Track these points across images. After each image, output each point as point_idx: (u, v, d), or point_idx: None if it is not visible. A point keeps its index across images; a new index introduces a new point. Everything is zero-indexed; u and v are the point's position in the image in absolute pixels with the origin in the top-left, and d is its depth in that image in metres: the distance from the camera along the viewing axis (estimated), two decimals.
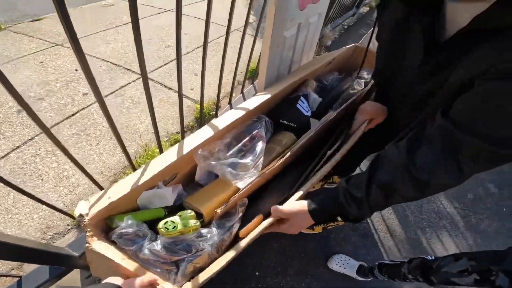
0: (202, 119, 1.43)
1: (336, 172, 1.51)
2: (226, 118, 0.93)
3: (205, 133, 0.88)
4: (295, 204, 0.74)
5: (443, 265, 0.91)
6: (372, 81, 1.25)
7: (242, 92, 1.78)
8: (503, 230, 1.87)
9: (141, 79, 2.12)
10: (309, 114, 1.15)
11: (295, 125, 1.09)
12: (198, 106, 1.94)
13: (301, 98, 1.17)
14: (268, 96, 1.05)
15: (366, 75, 1.37)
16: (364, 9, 4.95)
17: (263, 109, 1.09)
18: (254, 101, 1.01)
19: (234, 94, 1.68)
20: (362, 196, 0.64)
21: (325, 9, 1.55)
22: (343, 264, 1.40)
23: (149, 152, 1.58)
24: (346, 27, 3.74)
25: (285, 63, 1.42)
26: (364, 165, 1.83)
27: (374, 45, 1.00)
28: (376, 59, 0.93)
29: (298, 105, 1.14)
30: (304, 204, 0.72)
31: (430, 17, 0.62)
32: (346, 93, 1.31)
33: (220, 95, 1.42)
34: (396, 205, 1.78)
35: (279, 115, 1.12)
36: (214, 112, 1.59)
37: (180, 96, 1.00)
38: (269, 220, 0.73)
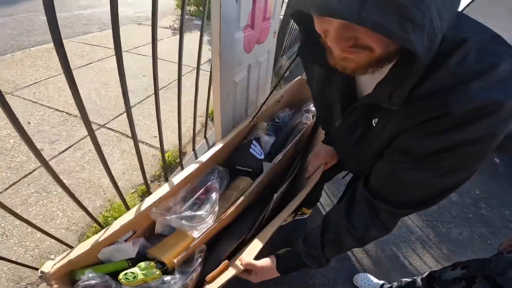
0: (166, 170, 1.45)
1: (304, 204, 1.57)
2: (182, 175, 0.99)
3: (162, 190, 0.94)
4: (266, 261, 0.85)
5: (443, 273, 1.05)
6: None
7: (205, 136, 1.82)
8: (475, 235, 1.95)
9: (101, 128, 2.11)
10: (262, 157, 1.22)
11: (250, 169, 1.16)
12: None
13: (253, 142, 1.24)
14: (220, 146, 1.12)
15: (312, 107, 1.46)
16: None
17: (218, 159, 1.15)
18: (207, 154, 1.07)
19: (198, 138, 1.71)
20: (319, 254, 0.78)
21: (273, 45, 1.66)
22: (366, 282, 1.45)
23: (115, 206, 1.56)
24: None
25: (241, 107, 1.48)
26: (327, 187, 1.90)
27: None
28: (314, 104, 1.02)
29: (251, 150, 1.21)
30: (273, 263, 0.84)
31: (347, 80, 0.63)
32: (297, 129, 1.39)
33: (185, 140, 1.43)
34: None
35: (234, 162, 1.19)
36: (179, 160, 1.61)
37: (137, 146, 1.02)
38: (238, 270, 0.82)
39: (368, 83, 0.59)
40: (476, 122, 0.42)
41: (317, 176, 1.03)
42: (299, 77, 1.57)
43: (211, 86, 1.30)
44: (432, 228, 1.94)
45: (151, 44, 0.87)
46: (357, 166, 0.86)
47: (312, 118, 1.39)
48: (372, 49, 0.42)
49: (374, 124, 0.60)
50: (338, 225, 0.73)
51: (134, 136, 0.98)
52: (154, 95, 0.97)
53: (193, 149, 1.70)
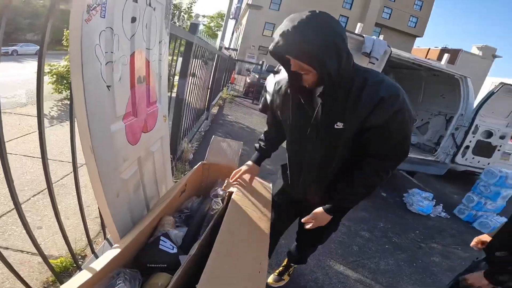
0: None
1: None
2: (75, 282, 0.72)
3: None
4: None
5: None
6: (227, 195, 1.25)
7: (105, 237, 1.45)
8: (399, 262, 2.09)
9: None
10: (175, 251, 1.12)
11: (165, 265, 1.03)
12: (53, 261, 1.41)
13: (161, 238, 1.12)
14: (121, 248, 0.91)
15: (220, 191, 1.37)
16: (214, 109, 5.67)
17: (122, 262, 0.93)
18: (105, 259, 0.84)
19: (100, 239, 1.31)
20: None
21: (166, 131, 1.54)
22: None
23: None
24: (203, 133, 3.98)
25: (139, 204, 1.28)
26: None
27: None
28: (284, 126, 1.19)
29: (161, 246, 1.09)
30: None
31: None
32: (208, 215, 1.29)
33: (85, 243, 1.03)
34: None
35: (144, 260, 1.03)
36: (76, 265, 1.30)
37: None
38: None
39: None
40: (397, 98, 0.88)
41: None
42: (200, 163, 1.46)
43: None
44: (363, 267, 1.99)
45: (22, 137, 0.58)
46: (323, 163, 1.06)
47: (222, 202, 1.31)
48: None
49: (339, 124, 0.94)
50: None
51: None
52: (29, 200, 0.63)
53: (93, 251, 1.34)
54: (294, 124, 1.07)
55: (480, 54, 24.91)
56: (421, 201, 2.91)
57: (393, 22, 25.50)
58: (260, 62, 9.15)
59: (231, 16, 24.08)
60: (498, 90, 2.95)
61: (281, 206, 1.34)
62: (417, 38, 27.07)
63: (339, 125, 0.93)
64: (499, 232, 1.08)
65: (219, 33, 15.13)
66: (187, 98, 2.76)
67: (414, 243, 2.42)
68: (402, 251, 2.26)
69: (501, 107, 3.12)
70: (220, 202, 1.28)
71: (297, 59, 0.84)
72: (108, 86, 0.92)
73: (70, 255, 1.51)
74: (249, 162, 1.30)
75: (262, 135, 1.34)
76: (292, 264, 1.69)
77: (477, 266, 1.07)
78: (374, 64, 2.75)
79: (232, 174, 1.28)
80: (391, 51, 2.84)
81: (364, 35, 2.79)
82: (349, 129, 0.93)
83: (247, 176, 1.29)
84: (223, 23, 14.65)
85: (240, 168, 1.30)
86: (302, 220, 1.14)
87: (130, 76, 1.04)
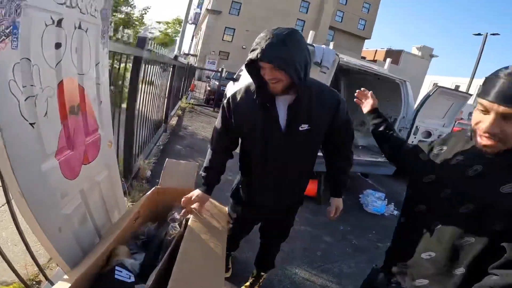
0: None
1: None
2: None
3: None
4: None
5: None
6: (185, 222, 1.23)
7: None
8: (360, 264, 2.18)
9: None
10: (132, 279, 1.10)
11: None
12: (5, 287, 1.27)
13: (117, 268, 1.09)
14: (68, 285, 0.85)
15: (177, 215, 1.32)
16: (173, 120, 5.47)
17: None
18: None
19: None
20: None
21: (113, 157, 1.46)
22: None
23: None
24: (161, 147, 3.81)
25: (88, 234, 1.22)
26: None
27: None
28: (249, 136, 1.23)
29: (117, 276, 1.06)
30: None
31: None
32: (166, 240, 1.24)
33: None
34: None
35: None
36: None
37: None
38: None
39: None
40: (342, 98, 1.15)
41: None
42: (154, 188, 1.40)
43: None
44: (327, 272, 2.05)
45: None
46: (293, 164, 1.18)
47: (179, 226, 1.27)
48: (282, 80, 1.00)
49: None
50: None
51: None
52: None
53: (46, 278, 1.23)
54: (261, 131, 1.13)
55: (419, 54, 27.51)
56: (375, 201, 3.09)
57: (345, 25, 27.00)
58: (220, 69, 9.09)
59: (190, 22, 23.68)
60: (433, 92, 3.24)
61: (241, 218, 1.39)
62: (366, 40, 29.06)
63: (304, 126, 1.09)
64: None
65: (178, 39, 14.75)
66: (141, 110, 2.63)
67: (372, 244, 2.56)
68: (361, 253, 2.37)
69: (437, 108, 3.41)
70: (178, 226, 1.25)
71: (278, 68, 0.96)
72: (31, 124, 0.83)
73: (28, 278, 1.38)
74: (199, 192, 1.25)
75: (208, 162, 1.27)
76: (263, 273, 1.69)
77: (376, 278, 0.97)
78: (325, 73, 2.87)
79: (184, 200, 1.24)
80: (339, 59, 2.99)
81: (314, 45, 2.88)
82: (315, 129, 1.11)
83: (197, 205, 1.25)
84: (181, 29, 14.31)
85: (191, 194, 1.25)
86: (330, 217, 1.31)
87: (59, 108, 0.95)
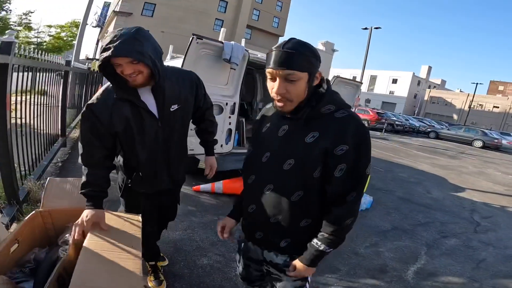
0: None
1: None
2: None
3: None
4: None
5: None
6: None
7: None
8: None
9: None
10: None
11: None
12: None
13: None
14: None
15: (69, 237, 1.16)
16: (75, 132, 4.75)
17: None
18: None
19: None
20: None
21: None
22: None
23: None
24: (60, 164, 3.28)
25: None
26: None
27: None
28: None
29: None
30: None
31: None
32: (58, 264, 1.07)
33: None
34: None
35: None
36: None
37: None
38: None
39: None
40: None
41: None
42: (34, 211, 1.21)
43: None
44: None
45: None
46: (177, 147, 1.32)
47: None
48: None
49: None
50: None
51: None
52: None
53: None
54: (136, 124, 1.15)
55: (324, 49, 30.82)
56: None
57: (261, 23, 28.14)
58: None
59: (92, 25, 20.97)
60: (332, 82, 3.70)
61: (144, 211, 1.30)
62: (280, 38, 31.06)
63: (174, 106, 1.20)
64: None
65: (75, 43, 12.98)
66: (21, 124, 2.20)
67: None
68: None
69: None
70: (67, 249, 1.12)
71: (137, 60, 1.00)
72: None
73: None
74: (88, 211, 1.09)
75: (85, 177, 1.13)
76: (158, 263, 1.69)
77: (248, 248, 1.04)
78: (235, 69, 2.91)
79: (74, 228, 1.07)
80: (249, 55, 3.08)
81: (223, 41, 2.88)
82: (184, 105, 1.24)
83: (95, 225, 1.08)
84: (78, 32, 12.58)
85: (80, 218, 1.08)
86: (207, 176, 1.52)
87: None
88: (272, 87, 0.81)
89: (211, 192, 3.09)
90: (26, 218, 1.17)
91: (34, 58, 2.32)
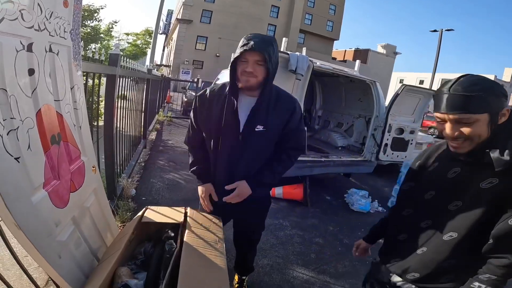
0: None
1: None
2: None
3: None
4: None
5: None
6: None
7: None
8: (354, 262, 2.22)
9: None
10: None
11: None
12: None
13: None
14: None
15: (171, 233, 1.33)
16: (152, 135, 5.34)
17: None
18: None
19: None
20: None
21: (98, 180, 1.45)
22: None
23: None
24: (143, 164, 3.68)
25: (86, 257, 1.24)
26: None
27: None
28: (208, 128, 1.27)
29: None
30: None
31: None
32: (164, 258, 1.23)
33: None
34: None
35: None
36: None
37: None
38: None
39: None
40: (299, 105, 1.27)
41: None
42: (145, 208, 1.40)
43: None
44: (324, 273, 2.08)
45: None
46: (249, 162, 1.24)
47: (175, 243, 1.27)
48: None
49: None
50: None
51: None
52: None
53: None
54: (225, 128, 1.18)
55: (384, 52, 28.91)
56: (359, 200, 3.18)
57: (314, 27, 27.68)
58: (195, 80, 9.02)
59: (160, 31, 23.25)
60: (401, 91, 3.46)
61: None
62: (335, 41, 30.12)
63: (259, 127, 1.16)
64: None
65: (149, 50, 14.38)
66: (119, 128, 2.57)
67: None
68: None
69: (406, 106, 3.62)
70: (174, 243, 1.26)
71: (264, 60, 1.07)
72: (16, 159, 0.81)
73: None
74: (199, 187, 1.34)
75: (191, 158, 1.34)
76: (244, 277, 1.72)
77: (378, 270, 1.04)
78: (300, 80, 2.96)
79: (204, 205, 1.35)
80: (313, 65, 3.10)
81: (289, 52, 2.96)
82: (270, 131, 1.18)
83: (207, 197, 1.33)
84: (151, 40, 14.04)
85: (199, 193, 1.34)
86: (224, 199, 1.26)
87: (41, 139, 0.92)
88: (443, 129, 0.77)
89: (272, 196, 3.18)
90: (140, 213, 1.37)
91: (133, 69, 2.71)
